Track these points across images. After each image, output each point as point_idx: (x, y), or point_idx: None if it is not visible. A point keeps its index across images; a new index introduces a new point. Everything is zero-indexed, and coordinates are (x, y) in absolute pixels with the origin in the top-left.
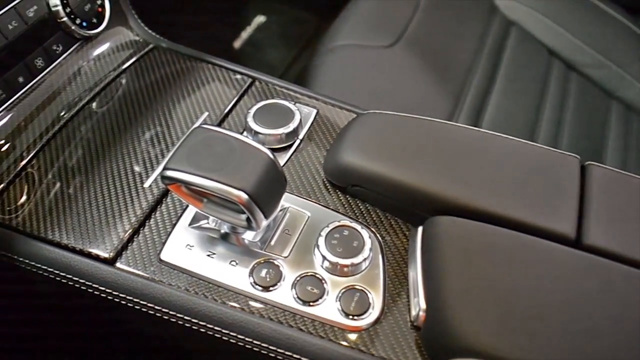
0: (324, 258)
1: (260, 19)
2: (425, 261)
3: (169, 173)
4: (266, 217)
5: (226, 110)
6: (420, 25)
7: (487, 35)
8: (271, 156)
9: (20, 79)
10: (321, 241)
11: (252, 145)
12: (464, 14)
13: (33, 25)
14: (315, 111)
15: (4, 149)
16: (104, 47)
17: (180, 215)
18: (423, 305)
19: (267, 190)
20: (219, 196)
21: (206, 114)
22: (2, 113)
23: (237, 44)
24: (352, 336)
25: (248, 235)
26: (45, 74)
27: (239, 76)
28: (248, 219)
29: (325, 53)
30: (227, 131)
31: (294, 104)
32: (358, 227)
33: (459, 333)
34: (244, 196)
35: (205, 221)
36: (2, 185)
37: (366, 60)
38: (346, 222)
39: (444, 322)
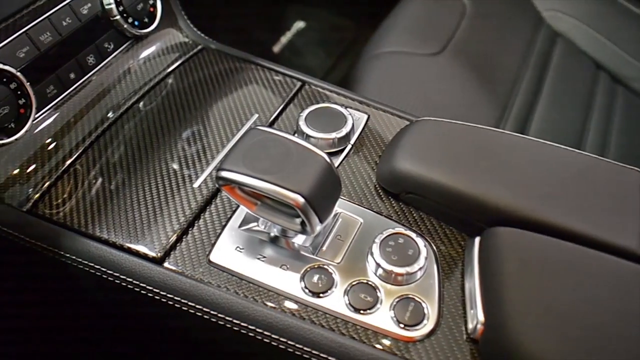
0: (378, 266)
1: (299, 24)
2: (483, 273)
3: (224, 174)
4: (321, 221)
5: (276, 113)
6: (466, 33)
7: (533, 46)
8: (328, 160)
9: (72, 75)
10: (375, 248)
11: (308, 149)
12: (510, 24)
13: (86, 22)
14: (366, 116)
15: (52, 145)
16: (154, 47)
17: (230, 217)
18: (481, 317)
19: (323, 194)
20: (274, 199)
21: (256, 115)
22: (52, 110)
23: (277, 48)
24: (406, 347)
25: (298, 240)
26: (96, 72)
27: (288, 79)
28: (302, 223)
29: (370, 59)
30: (284, 133)
31: (346, 109)
32: (413, 235)
33: (521, 347)
34: (301, 200)
35: (255, 223)
36: (49, 182)
37: (412, 68)
38: (401, 229)
39: (504, 335)
